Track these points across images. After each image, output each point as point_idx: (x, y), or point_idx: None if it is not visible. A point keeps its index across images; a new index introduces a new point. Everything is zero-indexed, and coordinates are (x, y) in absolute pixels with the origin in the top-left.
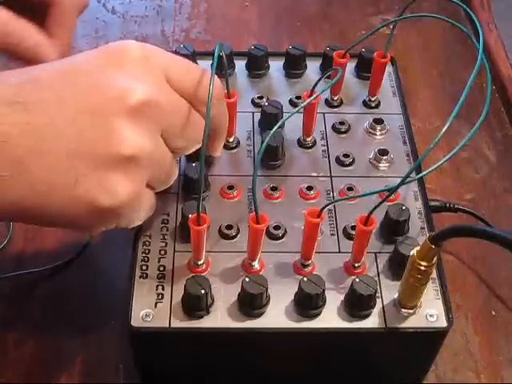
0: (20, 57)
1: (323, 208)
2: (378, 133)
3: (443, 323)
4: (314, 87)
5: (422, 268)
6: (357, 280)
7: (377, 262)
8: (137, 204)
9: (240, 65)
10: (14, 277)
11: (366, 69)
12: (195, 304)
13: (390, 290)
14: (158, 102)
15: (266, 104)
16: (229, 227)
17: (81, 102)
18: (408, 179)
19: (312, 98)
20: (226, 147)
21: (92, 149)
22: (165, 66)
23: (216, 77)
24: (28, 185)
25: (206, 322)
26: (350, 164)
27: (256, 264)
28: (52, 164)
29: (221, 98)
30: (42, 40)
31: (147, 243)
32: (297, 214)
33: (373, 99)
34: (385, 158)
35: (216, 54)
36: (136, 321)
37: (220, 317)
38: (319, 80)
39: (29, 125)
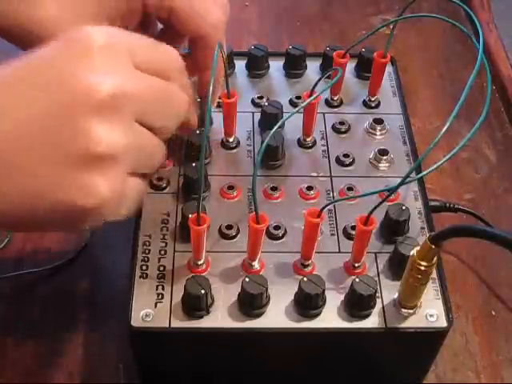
0: None
1: (323, 208)
2: (378, 133)
3: (443, 323)
4: (313, 87)
5: (422, 268)
6: (357, 280)
7: (377, 262)
8: (121, 198)
9: (240, 65)
10: (14, 277)
11: (366, 69)
12: (195, 304)
13: (389, 290)
14: (127, 92)
15: (266, 104)
16: (229, 227)
17: (43, 101)
18: (408, 179)
19: (312, 98)
20: (226, 147)
21: (63, 151)
22: (130, 49)
23: (170, 47)
24: (5, 194)
25: (206, 322)
26: (350, 164)
27: (256, 264)
28: (27, 171)
29: (178, 68)
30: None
31: (147, 243)
32: (297, 214)
33: (373, 99)
34: (385, 158)
35: (216, 54)
36: (136, 321)
37: (220, 317)
38: (319, 80)
39: None
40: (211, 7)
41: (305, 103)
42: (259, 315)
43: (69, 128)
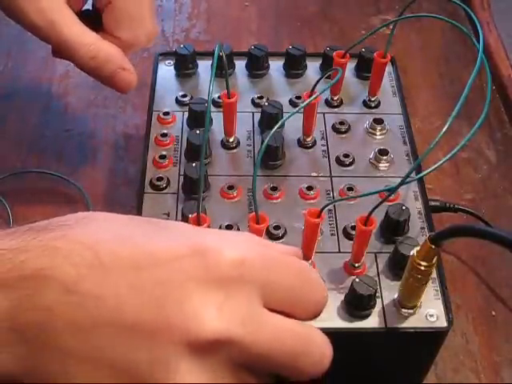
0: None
1: (323, 208)
2: (378, 133)
3: (443, 323)
4: (314, 87)
5: (422, 268)
6: (357, 280)
7: (377, 261)
8: None
9: (240, 65)
10: None
11: (366, 69)
12: None
13: (390, 290)
14: (237, 341)
15: (266, 104)
16: (229, 227)
17: (130, 311)
18: (408, 179)
19: (312, 98)
20: (226, 147)
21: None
22: (262, 284)
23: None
24: None
25: None
26: (350, 164)
27: None
28: None
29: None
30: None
31: None
32: (297, 214)
33: (373, 99)
34: (385, 157)
35: (216, 54)
36: None
37: None
38: (319, 80)
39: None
40: (147, 16)
41: (305, 103)
42: None
43: (155, 354)
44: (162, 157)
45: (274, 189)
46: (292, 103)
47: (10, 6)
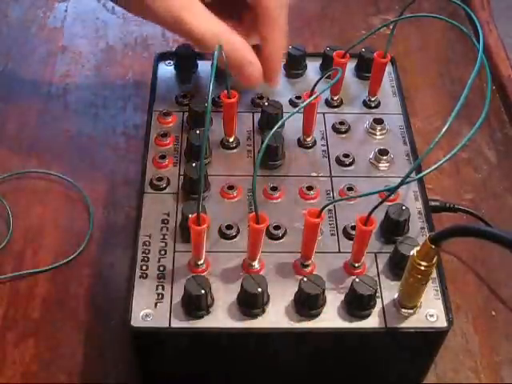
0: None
1: (323, 208)
2: (378, 133)
3: (443, 323)
4: (314, 87)
5: (422, 268)
6: (357, 280)
7: (377, 261)
8: None
9: None
10: (14, 277)
11: (366, 69)
12: (195, 304)
13: (390, 290)
14: None
15: (266, 104)
16: (229, 227)
17: None
18: (408, 179)
19: (312, 98)
20: (226, 147)
21: None
22: None
23: None
24: None
25: (206, 322)
26: (350, 164)
27: (256, 264)
28: None
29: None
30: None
31: (147, 243)
32: (297, 214)
33: (373, 99)
34: (385, 157)
35: (216, 54)
36: (136, 321)
37: (220, 317)
38: (319, 80)
39: None
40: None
41: (305, 103)
42: (259, 315)
43: None
44: (162, 157)
45: (274, 189)
46: (292, 103)
47: (137, 2)
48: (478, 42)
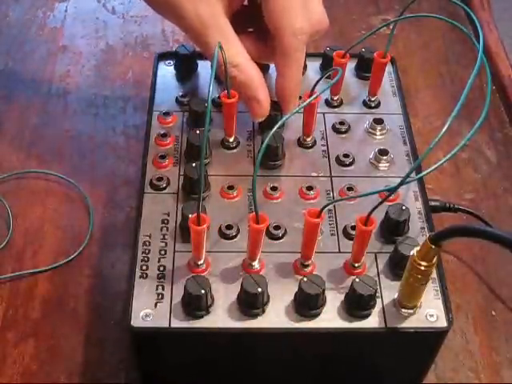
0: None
1: (323, 208)
2: (378, 133)
3: (443, 323)
4: (314, 87)
5: (422, 268)
6: (357, 280)
7: (377, 261)
8: None
9: None
10: (14, 277)
11: (366, 69)
12: (195, 304)
13: (390, 290)
14: None
15: None
16: (229, 227)
17: None
18: (408, 179)
19: (312, 98)
20: (226, 147)
21: None
22: None
23: None
24: None
25: (206, 322)
26: (350, 164)
27: (256, 264)
28: None
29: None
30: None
31: (147, 243)
32: (297, 214)
33: (373, 99)
34: (385, 157)
35: (216, 54)
36: (136, 321)
37: (220, 317)
38: (319, 80)
39: None
40: (298, 13)
41: (305, 103)
42: (259, 315)
43: None
44: (162, 157)
45: (274, 189)
46: None
47: (169, 9)
48: (478, 42)
